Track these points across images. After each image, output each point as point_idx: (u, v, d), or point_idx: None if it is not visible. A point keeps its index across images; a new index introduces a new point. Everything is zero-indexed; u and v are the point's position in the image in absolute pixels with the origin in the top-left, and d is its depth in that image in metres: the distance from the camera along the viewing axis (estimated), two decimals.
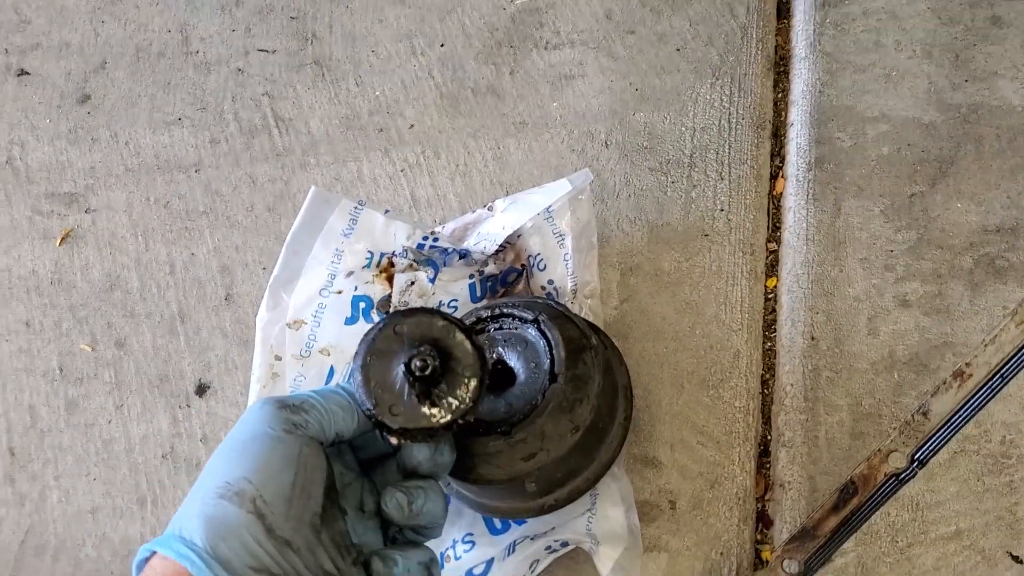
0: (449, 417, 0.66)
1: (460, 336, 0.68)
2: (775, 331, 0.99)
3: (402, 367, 0.66)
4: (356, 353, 0.67)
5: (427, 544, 0.71)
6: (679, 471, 0.92)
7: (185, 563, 0.55)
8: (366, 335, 0.68)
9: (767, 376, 0.97)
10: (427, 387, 0.66)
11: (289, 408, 0.63)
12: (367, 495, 0.70)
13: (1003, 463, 0.88)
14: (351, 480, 0.69)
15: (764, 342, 0.98)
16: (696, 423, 0.94)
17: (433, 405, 0.66)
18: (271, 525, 0.58)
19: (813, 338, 0.95)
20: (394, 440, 0.67)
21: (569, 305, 0.92)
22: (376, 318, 0.94)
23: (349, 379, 0.68)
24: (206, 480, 0.60)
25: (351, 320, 0.94)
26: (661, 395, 0.96)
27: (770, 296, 1.01)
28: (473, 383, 0.68)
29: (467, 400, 0.67)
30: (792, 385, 0.94)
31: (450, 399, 0.67)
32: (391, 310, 0.93)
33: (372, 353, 0.67)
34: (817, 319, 0.96)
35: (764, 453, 0.94)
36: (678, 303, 0.99)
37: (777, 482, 0.91)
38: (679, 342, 0.98)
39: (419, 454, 0.68)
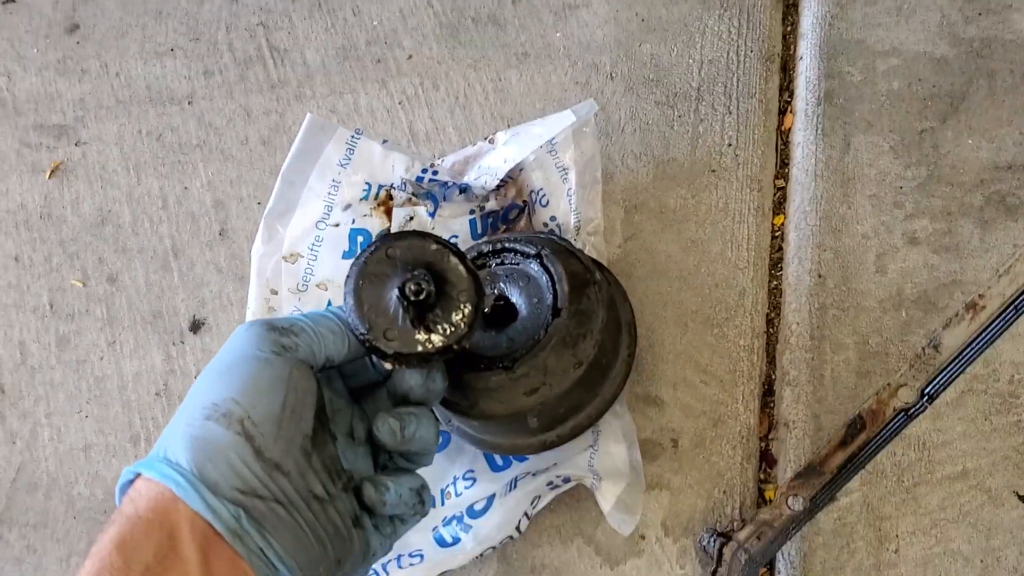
0: (444, 342, 0.65)
1: (454, 260, 0.66)
2: (781, 269, 0.97)
3: (396, 291, 0.64)
4: (348, 276, 0.65)
5: (418, 471, 0.69)
6: (682, 410, 0.91)
7: (170, 484, 0.54)
8: (357, 258, 0.65)
9: (772, 315, 0.96)
10: (421, 312, 0.64)
11: (278, 330, 0.61)
12: (357, 422, 0.68)
13: (1011, 402, 0.87)
14: (341, 407, 0.67)
15: (770, 280, 0.97)
16: (700, 362, 0.93)
17: (428, 330, 0.64)
18: (260, 447, 0.56)
19: (820, 276, 0.94)
20: (388, 365, 0.66)
21: (573, 241, 0.90)
22: None
23: (342, 304, 0.66)
24: (192, 402, 0.58)
25: (349, 254, 0.92)
26: (665, 334, 0.94)
27: (777, 234, 0.99)
28: (468, 308, 0.66)
29: (462, 325, 0.65)
30: (798, 323, 0.93)
31: (445, 324, 0.65)
32: None
33: (364, 277, 0.65)
34: (824, 256, 0.95)
35: (768, 392, 0.93)
36: (683, 241, 0.97)
37: (781, 421, 0.90)
38: (684, 280, 0.96)
39: (411, 380, 0.67)
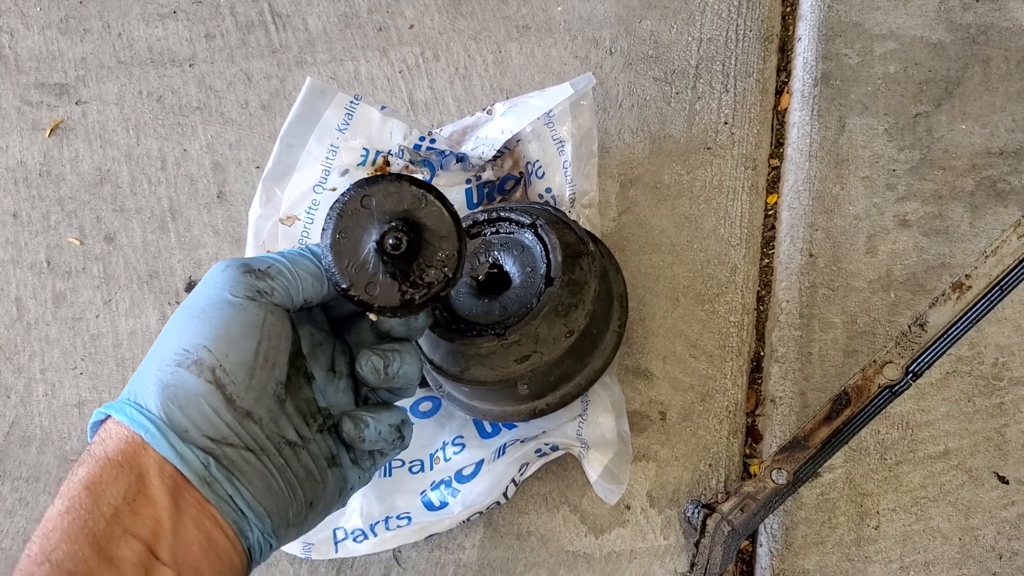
0: (427, 293, 0.62)
1: (434, 203, 0.62)
2: (773, 247, 0.98)
3: (373, 245, 0.61)
4: (323, 230, 0.62)
5: (399, 404, 0.69)
6: (671, 383, 0.92)
7: (139, 430, 0.54)
8: (331, 209, 0.62)
9: (763, 292, 0.97)
10: (402, 264, 0.62)
11: (254, 273, 0.60)
12: (339, 356, 0.67)
13: (994, 385, 0.88)
14: (322, 340, 0.67)
15: (762, 258, 0.98)
16: (690, 336, 0.94)
17: (410, 282, 0.62)
18: (231, 395, 0.56)
19: (811, 255, 0.95)
20: (372, 316, 0.65)
21: (567, 214, 0.91)
22: None
23: (320, 244, 0.63)
24: (163, 346, 0.57)
25: None
26: (656, 308, 0.95)
27: (770, 212, 1.00)
28: (451, 254, 0.62)
29: (446, 273, 0.63)
30: (788, 301, 0.94)
31: (427, 275, 0.62)
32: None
33: (340, 231, 0.62)
34: (816, 236, 0.95)
35: (756, 368, 0.94)
36: (677, 216, 0.98)
37: (768, 397, 0.91)
38: (676, 255, 0.97)
39: (393, 319, 0.66)
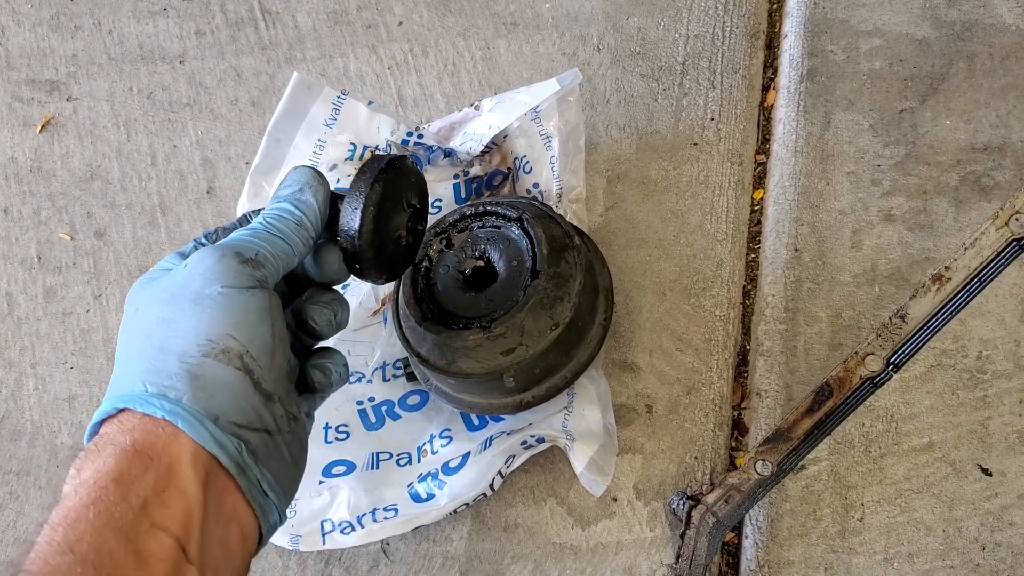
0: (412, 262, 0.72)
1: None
2: (759, 242, 0.98)
3: (406, 225, 0.69)
4: (359, 221, 0.64)
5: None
6: (657, 376, 0.93)
7: (176, 420, 0.54)
8: (369, 177, 0.65)
9: (749, 286, 0.97)
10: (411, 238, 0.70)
11: (250, 263, 0.60)
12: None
13: (978, 378, 0.89)
14: None
15: (748, 253, 0.98)
16: (676, 330, 0.94)
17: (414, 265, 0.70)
18: (258, 380, 0.57)
19: (797, 250, 0.95)
20: (371, 283, 0.72)
21: (554, 208, 0.91)
22: None
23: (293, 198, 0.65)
24: (174, 337, 0.57)
25: None
26: (642, 302, 0.96)
27: (756, 207, 1.00)
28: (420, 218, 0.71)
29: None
30: (773, 296, 0.94)
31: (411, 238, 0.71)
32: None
33: (376, 204, 0.65)
34: (802, 231, 0.96)
35: (742, 362, 0.95)
36: (664, 212, 0.99)
37: (754, 390, 0.92)
38: (663, 250, 0.97)
39: (334, 267, 0.67)
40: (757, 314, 0.95)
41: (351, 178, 0.89)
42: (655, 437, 0.91)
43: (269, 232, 0.62)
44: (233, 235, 0.62)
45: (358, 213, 0.64)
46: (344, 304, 0.68)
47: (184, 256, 0.63)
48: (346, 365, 0.68)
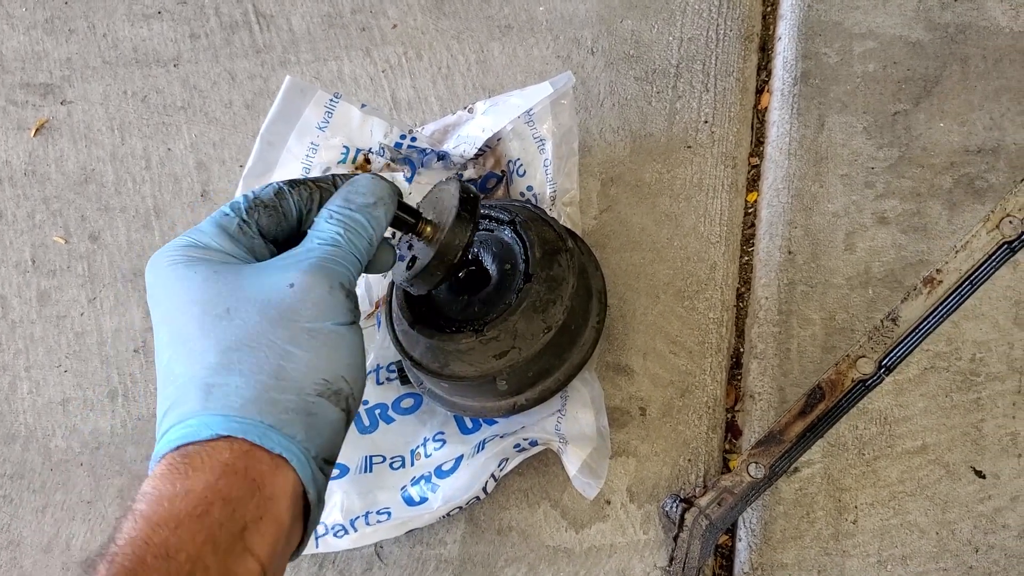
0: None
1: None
2: (753, 245, 0.98)
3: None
4: (467, 232, 0.69)
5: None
6: (651, 379, 0.93)
7: (289, 457, 0.54)
8: (474, 219, 0.69)
9: (743, 289, 0.97)
10: None
11: (352, 297, 0.60)
12: None
13: (972, 380, 0.89)
14: None
15: (741, 256, 0.98)
16: (670, 333, 0.94)
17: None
18: (351, 418, 0.59)
19: (790, 252, 0.95)
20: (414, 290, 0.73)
21: (548, 211, 0.91)
22: None
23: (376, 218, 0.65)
24: (293, 369, 0.56)
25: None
26: (636, 305, 0.96)
27: (750, 211, 1.00)
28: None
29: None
30: (767, 298, 0.94)
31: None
32: None
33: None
34: (795, 234, 0.96)
35: (736, 365, 0.95)
36: (657, 214, 0.99)
37: (747, 393, 0.92)
38: (656, 253, 0.97)
39: (388, 266, 0.68)
40: (751, 317, 0.95)
41: None
42: (648, 440, 0.91)
43: (351, 252, 0.61)
44: (324, 250, 0.60)
45: (467, 232, 0.68)
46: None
47: (222, 228, 0.60)
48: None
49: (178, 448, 0.53)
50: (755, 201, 1.00)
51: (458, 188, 0.70)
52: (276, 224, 0.62)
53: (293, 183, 0.63)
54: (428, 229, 0.69)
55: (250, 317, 0.56)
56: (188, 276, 0.57)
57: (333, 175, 0.65)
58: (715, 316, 0.95)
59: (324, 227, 0.61)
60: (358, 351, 0.59)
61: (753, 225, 0.99)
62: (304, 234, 0.62)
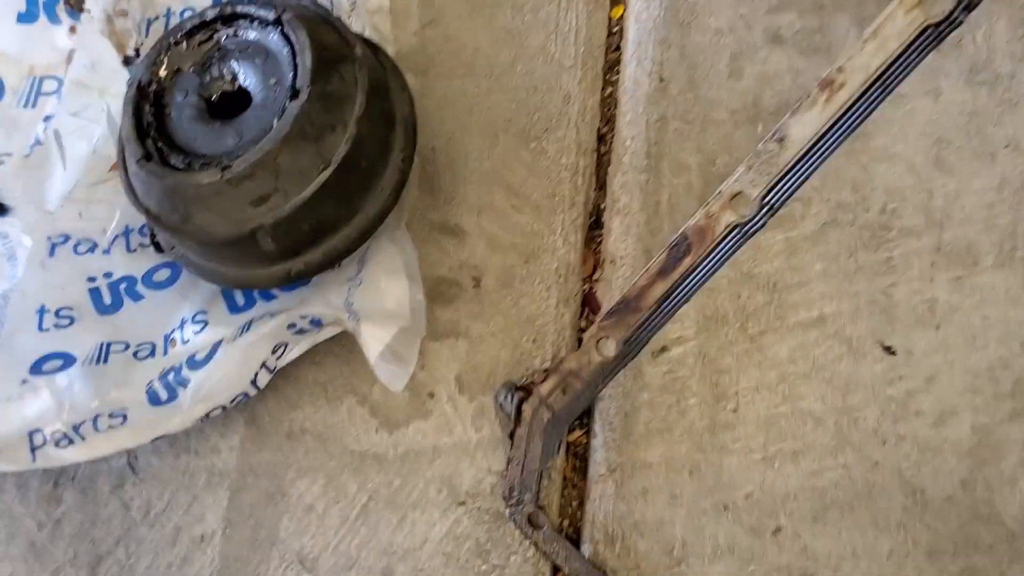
0: None
1: None
2: (617, 72, 0.88)
3: None
4: None
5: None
6: (487, 242, 0.82)
7: None
8: None
9: (604, 128, 0.87)
10: None
11: None
12: None
13: (881, 236, 0.79)
14: None
15: (603, 87, 0.88)
16: (511, 184, 0.83)
17: None
18: None
19: (662, 80, 0.85)
20: None
21: (347, 21, 0.73)
22: (63, 15, 0.73)
23: None
24: None
25: (24, 16, 0.74)
26: (468, 147, 0.84)
27: (614, 29, 0.89)
28: None
29: None
30: (633, 138, 0.84)
31: None
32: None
33: None
34: (669, 56, 0.85)
35: (595, 224, 0.85)
36: (496, 30, 0.87)
37: (608, 258, 0.82)
38: (495, 81, 0.86)
39: None
40: (614, 163, 0.85)
41: None
42: (483, 317, 0.80)
43: None
44: None
45: None
46: None
47: None
48: None
49: None
50: (621, 16, 0.88)
51: None
52: None
53: None
54: None
55: None
56: None
57: None
58: (569, 162, 0.85)
59: None
60: None
61: (618, 48, 0.88)
62: None
